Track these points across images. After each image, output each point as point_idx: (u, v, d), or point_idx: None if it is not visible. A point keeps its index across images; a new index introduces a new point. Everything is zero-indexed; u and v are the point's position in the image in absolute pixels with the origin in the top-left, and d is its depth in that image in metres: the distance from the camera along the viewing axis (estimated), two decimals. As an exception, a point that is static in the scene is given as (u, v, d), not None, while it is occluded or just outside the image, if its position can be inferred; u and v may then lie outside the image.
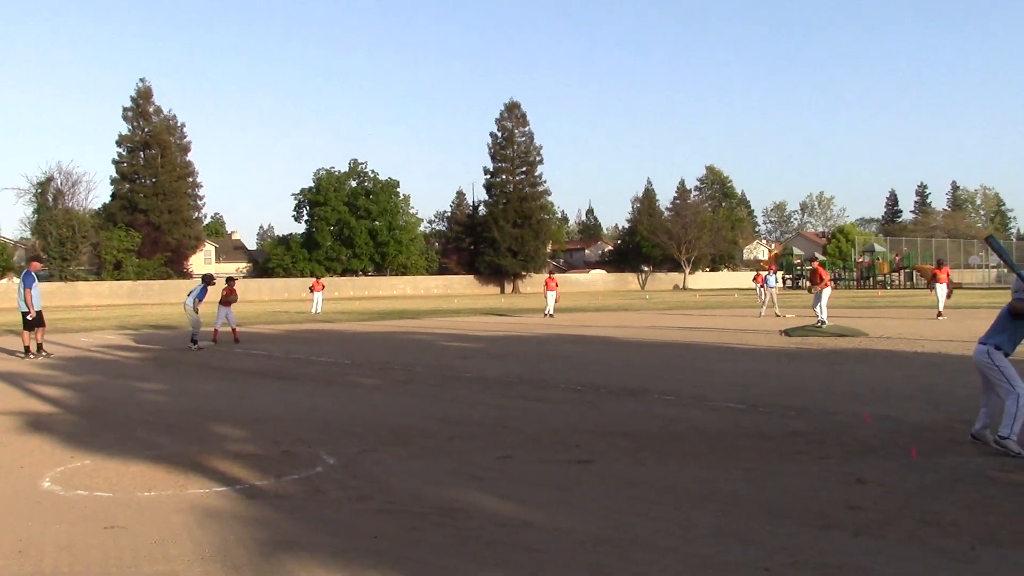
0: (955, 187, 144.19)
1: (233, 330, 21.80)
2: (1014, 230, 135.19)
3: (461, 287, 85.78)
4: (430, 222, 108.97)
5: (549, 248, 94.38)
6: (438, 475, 6.68)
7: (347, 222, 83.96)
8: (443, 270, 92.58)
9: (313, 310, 38.75)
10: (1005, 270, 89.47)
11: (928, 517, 5.29)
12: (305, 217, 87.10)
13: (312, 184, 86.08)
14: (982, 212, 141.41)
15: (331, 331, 26.85)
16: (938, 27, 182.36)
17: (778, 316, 29.00)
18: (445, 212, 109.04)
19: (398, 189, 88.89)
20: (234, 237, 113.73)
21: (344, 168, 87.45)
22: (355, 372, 14.57)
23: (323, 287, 41.27)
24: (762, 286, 32.71)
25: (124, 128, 75.45)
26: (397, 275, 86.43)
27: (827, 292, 24.58)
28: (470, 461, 7.16)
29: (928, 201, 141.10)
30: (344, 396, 11.65)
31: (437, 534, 5.10)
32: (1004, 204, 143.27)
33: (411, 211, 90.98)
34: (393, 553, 4.74)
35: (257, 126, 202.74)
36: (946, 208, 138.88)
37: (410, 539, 5.01)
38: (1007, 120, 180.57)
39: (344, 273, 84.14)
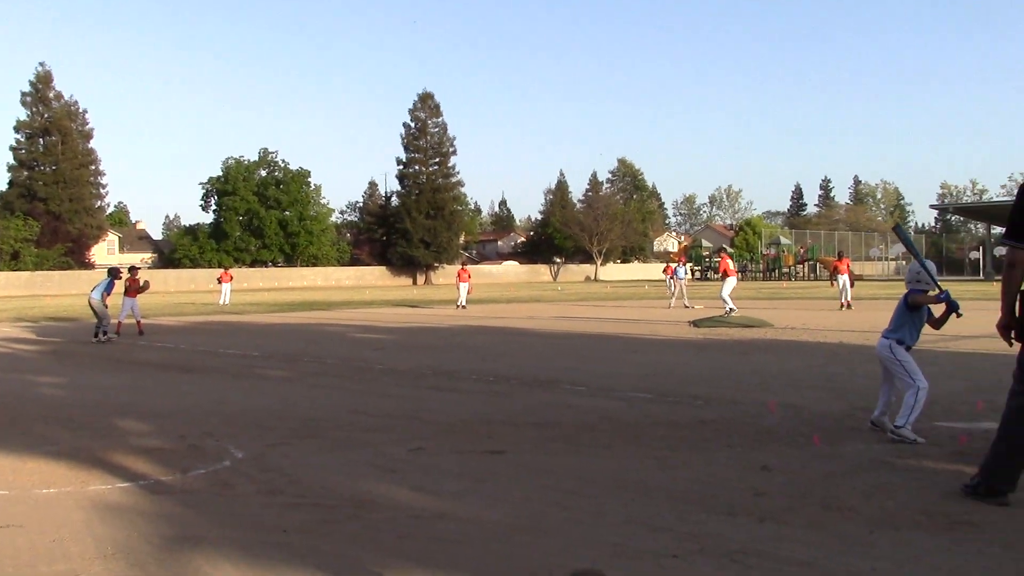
0: (857, 182, 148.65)
1: (138, 322, 21.30)
2: (912, 223, 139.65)
3: (373, 278, 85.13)
4: (341, 212, 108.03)
5: (462, 239, 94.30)
6: (349, 467, 6.63)
7: (256, 212, 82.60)
8: (355, 261, 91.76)
9: (221, 301, 38.07)
10: (904, 262, 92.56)
11: (829, 503, 5.44)
12: (213, 207, 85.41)
13: (221, 173, 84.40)
14: (882, 206, 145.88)
15: (240, 323, 26.42)
16: (838, 25, 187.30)
17: (687, 307, 29.48)
18: (357, 202, 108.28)
19: (309, 179, 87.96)
20: (139, 227, 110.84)
21: (254, 157, 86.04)
22: (264, 364, 14.36)
23: (231, 278, 40.61)
24: (672, 278, 33.27)
25: (22, 114, 72.97)
26: (308, 266, 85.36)
27: (732, 282, 25.13)
28: (382, 453, 7.11)
29: (832, 195, 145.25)
30: (253, 389, 11.47)
31: (348, 527, 5.06)
32: (903, 198, 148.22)
33: (322, 201, 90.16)
34: (303, 547, 4.68)
35: (163, 113, 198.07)
36: (848, 202, 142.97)
37: (321, 532, 4.95)
38: (907, 117, 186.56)
39: (253, 264, 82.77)
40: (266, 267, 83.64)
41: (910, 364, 7.38)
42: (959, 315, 7.33)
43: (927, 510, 5.24)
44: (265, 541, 4.82)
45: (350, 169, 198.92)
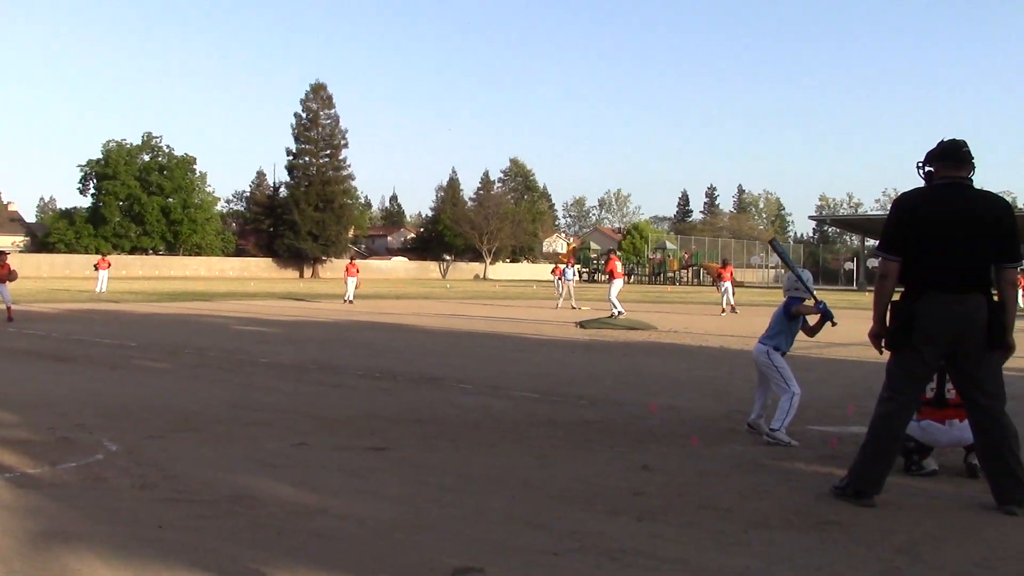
0: (741, 191, 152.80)
1: (8, 308, 20.43)
2: (791, 233, 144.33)
3: (258, 270, 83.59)
4: (228, 202, 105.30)
5: (351, 233, 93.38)
6: (229, 462, 6.48)
7: (138, 198, 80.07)
8: (240, 252, 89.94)
9: (98, 289, 36.85)
10: (782, 270, 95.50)
11: (706, 502, 5.57)
12: (92, 190, 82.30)
13: (101, 156, 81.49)
14: (764, 215, 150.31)
15: (117, 312, 25.60)
16: (724, 36, 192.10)
17: (574, 308, 29.81)
18: (244, 192, 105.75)
19: (195, 166, 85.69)
20: (10, 208, 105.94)
21: (137, 141, 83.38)
22: (142, 355, 13.94)
23: (109, 265, 39.33)
24: (560, 279, 33.56)
25: None
26: (191, 255, 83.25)
27: (619, 284, 25.50)
28: (263, 448, 6.98)
29: (717, 203, 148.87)
30: (130, 380, 11.12)
31: (227, 523, 4.95)
32: (784, 209, 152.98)
33: (208, 189, 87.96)
34: (179, 543, 4.56)
35: (40, 91, 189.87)
36: (732, 210, 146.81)
37: (197, 528, 4.83)
38: (789, 130, 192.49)
39: (133, 251, 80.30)
40: (147, 255, 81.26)
41: (785, 370, 7.64)
42: (834, 324, 7.63)
43: (799, 510, 5.42)
44: (139, 537, 4.67)
45: (238, 158, 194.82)
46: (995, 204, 5.59)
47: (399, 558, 4.40)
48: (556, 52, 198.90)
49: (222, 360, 13.27)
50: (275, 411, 8.82)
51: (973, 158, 5.59)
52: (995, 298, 5.59)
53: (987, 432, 5.52)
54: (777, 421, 7.47)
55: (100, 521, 4.95)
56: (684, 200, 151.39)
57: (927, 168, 5.69)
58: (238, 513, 5.13)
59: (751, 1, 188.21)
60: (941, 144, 5.64)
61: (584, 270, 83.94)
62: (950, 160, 5.56)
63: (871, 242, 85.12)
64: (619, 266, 26.56)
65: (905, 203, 5.69)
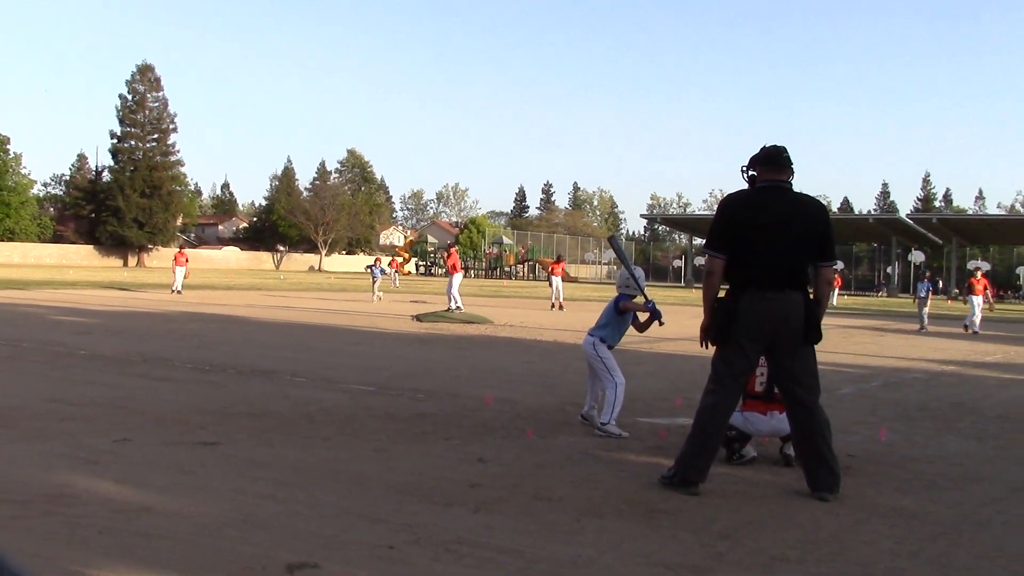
0: (576, 188, 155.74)
1: None
2: (624, 231, 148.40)
3: (79, 258, 79.67)
4: (45, 185, 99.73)
5: (180, 221, 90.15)
6: (46, 460, 6.14)
7: (-55, 178, 75.04)
8: (58, 238, 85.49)
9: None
10: (616, 267, 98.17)
11: (540, 493, 5.67)
12: None
13: (-102, 133, 75.85)
14: (598, 212, 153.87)
15: (-80, 299, 23.89)
16: (563, 36, 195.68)
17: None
18: (63, 175, 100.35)
19: (8, 146, 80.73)
20: None
21: (-57, 118, 78.05)
22: (-52, 346, 13.05)
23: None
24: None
25: None
26: (3, 241, 78.44)
27: (459, 278, 25.60)
28: (83, 444, 6.65)
29: (553, 199, 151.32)
30: (-66, 372, 10.40)
31: (44, 523, 4.69)
32: (617, 206, 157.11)
33: (23, 171, 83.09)
34: (-11, 545, 4.29)
35: None
36: (568, 207, 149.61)
37: (13, 529, 4.56)
38: (623, 129, 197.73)
39: (-61, 235, 75.17)
40: (-46, 240, 76.20)
41: (610, 361, 7.88)
42: (661, 323, 7.92)
43: (629, 499, 5.58)
44: (-57, 539, 4.38)
45: (56, 139, 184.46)
46: (812, 207, 5.99)
47: (230, 556, 4.28)
48: (396, 44, 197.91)
49: (37, 352, 12.55)
50: (97, 405, 8.40)
51: (792, 163, 5.96)
52: (811, 295, 5.93)
53: (802, 423, 5.86)
54: (606, 415, 7.69)
55: (-100, 523, 4.61)
56: (521, 196, 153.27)
57: (750, 172, 6.01)
58: (56, 512, 4.87)
59: (589, 1, 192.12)
60: (763, 149, 5.98)
61: (421, 263, 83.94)
62: (771, 165, 5.91)
63: (699, 240, 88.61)
64: (459, 260, 26.68)
65: (729, 205, 6.02)
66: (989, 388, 12.41)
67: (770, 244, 5.75)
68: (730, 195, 6.19)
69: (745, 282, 5.80)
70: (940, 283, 67.76)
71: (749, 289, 5.76)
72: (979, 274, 27.05)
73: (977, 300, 24.71)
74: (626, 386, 7.89)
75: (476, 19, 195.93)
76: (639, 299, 8.05)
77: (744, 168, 6.04)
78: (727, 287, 5.96)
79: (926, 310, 25.55)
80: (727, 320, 5.80)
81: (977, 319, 24.67)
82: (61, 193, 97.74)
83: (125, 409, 8.24)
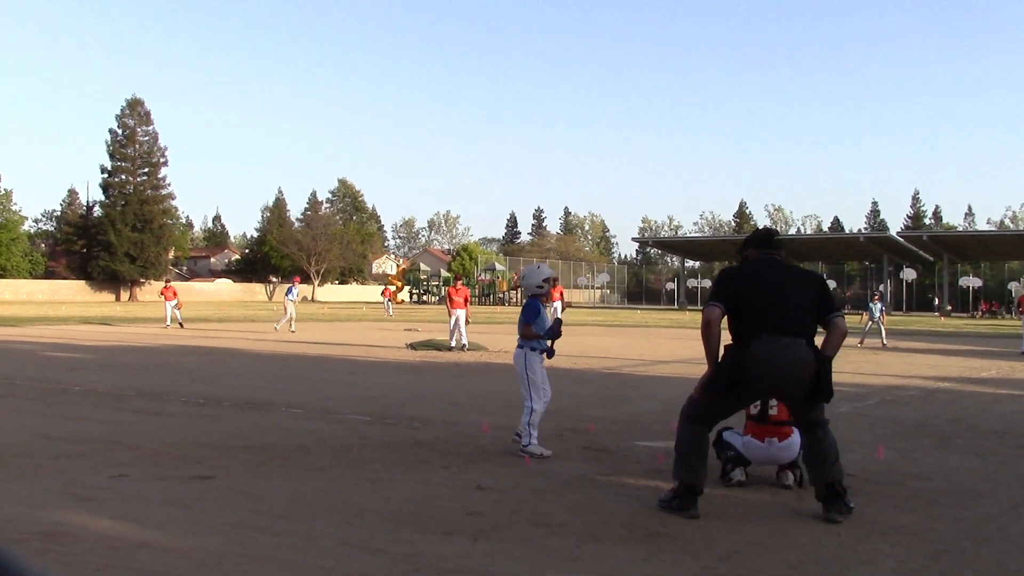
0: (567, 213, 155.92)
1: None
2: (616, 254, 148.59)
3: (71, 293, 79.46)
4: (36, 221, 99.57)
5: (172, 254, 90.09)
6: (41, 497, 6.09)
7: (-66, 217, 74.89)
8: (50, 274, 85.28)
9: None
10: (608, 291, 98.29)
11: (539, 519, 5.64)
12: None
13: None
14: (590, 236, 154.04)
15: (-88, 339, 23.78)
16: (544, 65, 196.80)
17: (408, 330, 29.68)
18: (55, 211, 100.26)
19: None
20: None
21: (-67, 156, 78.10)
22: (-59, 385, 12.98)
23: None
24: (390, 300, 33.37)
25: None
26: (-6, 278, 78.32)
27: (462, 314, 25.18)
28: (78, 481, 6.60)
29: (544, 224, 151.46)
30: (-74, 412, 10.33)
31: (40, 561, 4.64)
32: (608, 231, 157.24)
33: (13, 208, 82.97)
34: (-17, 585, 4.24)
35: None
36: (559, 232, 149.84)
37: (5, 568, 4.51)
38: (613, 154, 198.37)
39: (-71, 274, 74.92)
40: (-56, 278, 75.92)
41: (536, 375, 8.24)
42: (550, 357, 8.47)
43: (628, 523, 5.56)
44: (-63, 580, 4.32)
45: (47, 175, 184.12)
46: (805, 272, 6.54)
47: (227, 589, 4.24)
48: (385, 73, 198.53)
49: (30, 388, 12.49)
50: (91, 441, 8.36)
51: (783, 243, 6.43)
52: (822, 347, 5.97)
53: (811, 447, 5.92)
54: (525, 438, 7.89)
55: None
56: (512, 222, 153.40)
57: (746, 252, 6.40)
58: (52, 551, 4.83)
59: (578, 28, 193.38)
60: (756, 232, 6.49)
61: (414, 292, 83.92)
62: (764, 243, 6.34)
63: (691, 263, 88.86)
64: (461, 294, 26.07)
65: (728, 270, 6.44)
66: (986, 404, 12.40)
67: (770, 296, 5.89)
68: (728, 267, 6.70)
69: (752, 330, 5.82)
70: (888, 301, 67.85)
71: (758, 335, 5.77)
72: None
73: None
74: (547, 408, 8.23)
75: (465, 47, 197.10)
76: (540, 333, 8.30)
77: (740, 249, 6.49)
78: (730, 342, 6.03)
79: (884, 328, 25.85)
80: (734, 369, 5.83)
81: None
82: (52, 229, 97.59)
83: (120, 444, 8.19)
